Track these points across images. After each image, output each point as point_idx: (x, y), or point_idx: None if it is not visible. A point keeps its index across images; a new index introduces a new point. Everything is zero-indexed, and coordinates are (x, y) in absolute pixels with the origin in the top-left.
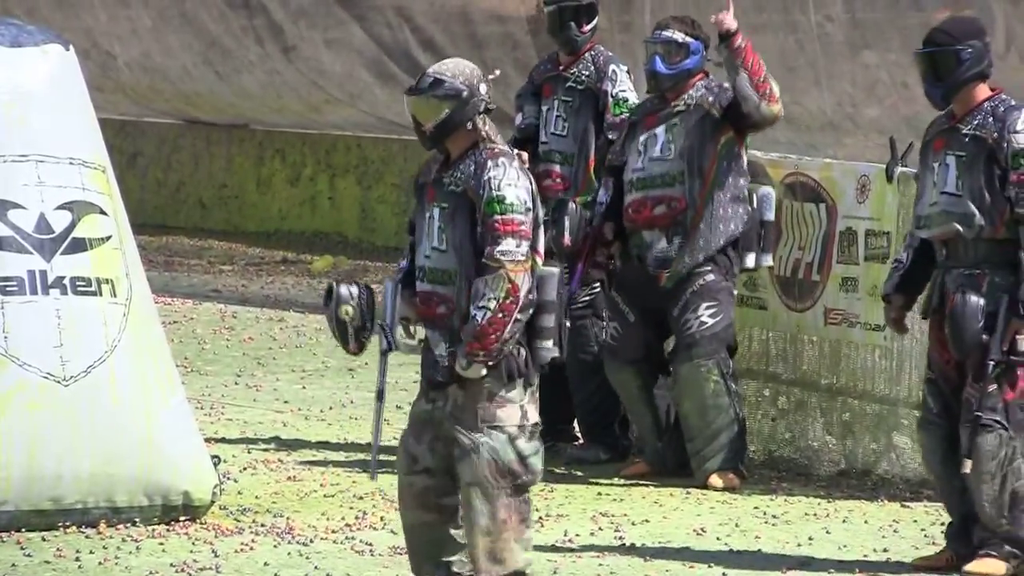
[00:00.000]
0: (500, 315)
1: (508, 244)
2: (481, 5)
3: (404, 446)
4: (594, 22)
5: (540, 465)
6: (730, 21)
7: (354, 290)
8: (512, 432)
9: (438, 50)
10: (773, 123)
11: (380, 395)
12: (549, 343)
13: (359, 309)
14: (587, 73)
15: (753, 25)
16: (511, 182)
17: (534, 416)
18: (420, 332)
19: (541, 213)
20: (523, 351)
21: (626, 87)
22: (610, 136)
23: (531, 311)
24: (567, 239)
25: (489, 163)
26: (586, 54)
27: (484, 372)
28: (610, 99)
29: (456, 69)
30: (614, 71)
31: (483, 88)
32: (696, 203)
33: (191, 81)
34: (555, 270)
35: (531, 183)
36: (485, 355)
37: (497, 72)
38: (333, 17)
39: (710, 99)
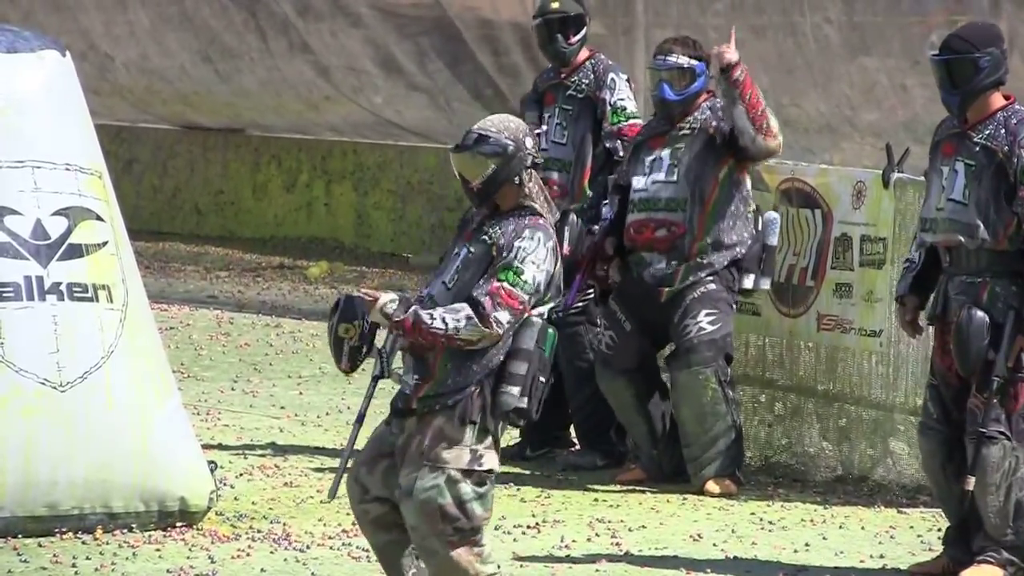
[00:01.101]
0: (443, 340)
1: (504, 316)
2: (497, 6)
3: (355, 474)
4: (582, 32)
5: (482, 511)
6: (731, 54)
7: (361, 309)
8: (454, 475)
9: (442, 48)
10: (769, 157)
11: (360, 419)
12: (515, 390)
13: (360, 330)
14: (587, 81)
15: (753, 27)
16: (536, 261)
17: (489, 463)
18: None
19: (560, 281)
20: (481, 399)
21: (625, 95)
22: (607, 145)
23: (501, 357)
24: (566, 249)
25: (526, 232)
26: (587, 62)
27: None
28: (608, 107)
29: (501, 124)
30: (613, 79)
31: (529, 142)
32: (695, 229)
33: (189, 81)
34: (538, 321)
35: (557, 261)
36: (402, 333)
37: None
38: (341, 11)
39: (714, 123)
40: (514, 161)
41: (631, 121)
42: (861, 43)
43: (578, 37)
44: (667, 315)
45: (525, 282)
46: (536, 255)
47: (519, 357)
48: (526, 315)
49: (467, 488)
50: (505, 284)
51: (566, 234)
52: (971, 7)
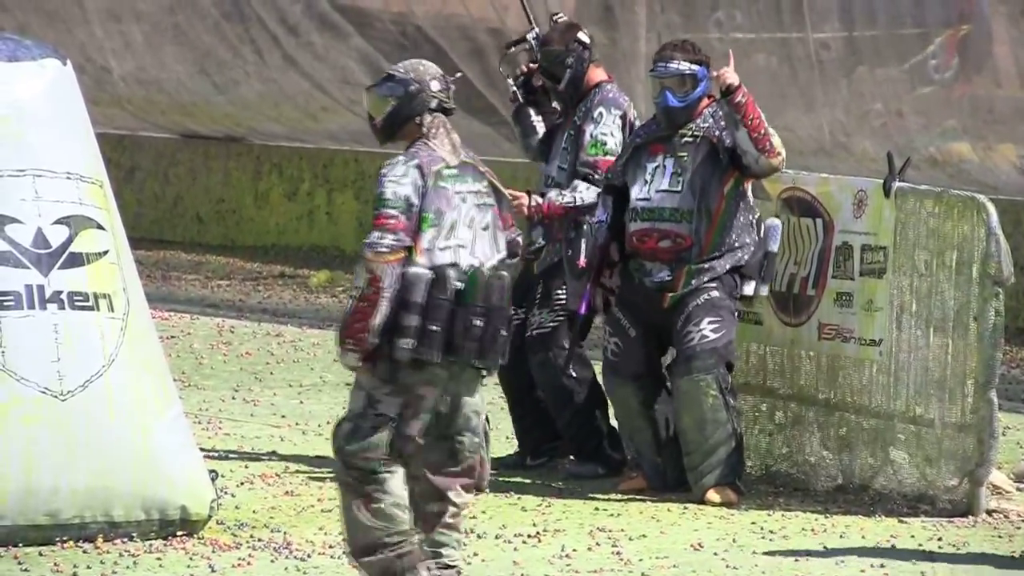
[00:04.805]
0: (364, 304)
1: (372, 236)
2: (477, 15)
3: None
4: (567, 75)
5: (352, 452)
6: (731, 76)
7: None
8: (348, 417)
9: (437, 58)
10: (772, 174)
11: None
12: (405, 342)
13: None
14: (584, 110)
15: (746, 50)
16: (395, 178)
17: (386, 408)
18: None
19: (452, 215)
20: (383, 349)
21: (608, 131)
22: (579, 171)
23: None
24: (582, 261)
25: (391, 160)
26: (593, 90)
27: (359, 363)
28: (587, 137)
29: (410, 66)
30: (601, 113)
31: (435, 85)
32: (702, 242)
33: (187, 92)
34: (424, 272)
35: (423, 178)
36: (353, 343)
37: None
38: (331, 28)
39: (716, 133)
40: (415, 101)
41: (607, 157)
42: (858, 64)
43: (564, 83)
44: (670, 320)
45: (386, 200)
46: (393, 172)
47: (408, 310)
48: (406, 250)
49: (348, 427)
50: (374, 211)
51: (582, 245)
52: (969, 22)
